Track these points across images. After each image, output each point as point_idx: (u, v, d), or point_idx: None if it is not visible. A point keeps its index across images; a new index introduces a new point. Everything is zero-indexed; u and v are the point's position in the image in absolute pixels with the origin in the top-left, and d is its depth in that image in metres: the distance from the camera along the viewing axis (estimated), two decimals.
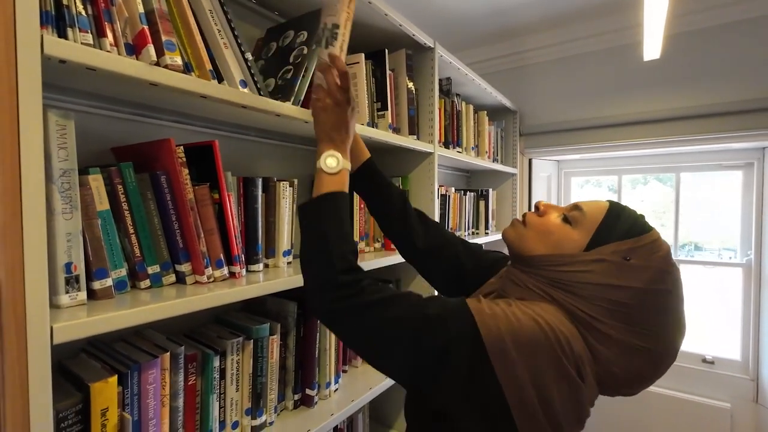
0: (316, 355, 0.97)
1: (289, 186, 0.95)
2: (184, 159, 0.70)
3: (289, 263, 0.97)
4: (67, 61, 0.51)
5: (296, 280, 0.85)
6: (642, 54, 1.60)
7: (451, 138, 1.58)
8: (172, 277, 0.72)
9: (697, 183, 2.18)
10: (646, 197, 2.38)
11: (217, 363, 0.78)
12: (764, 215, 1.91)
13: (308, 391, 0.97)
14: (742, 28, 1.72)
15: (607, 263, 0.55)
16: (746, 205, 1.99)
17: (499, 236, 2.00)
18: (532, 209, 0.66)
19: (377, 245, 1.26)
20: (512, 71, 2.29)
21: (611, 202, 0.60)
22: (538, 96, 2.21)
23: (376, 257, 1.12)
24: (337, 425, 1.11)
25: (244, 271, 0.81)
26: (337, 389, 1.06)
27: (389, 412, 1.49)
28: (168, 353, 0.68)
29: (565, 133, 2.14)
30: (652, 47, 1.45)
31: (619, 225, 0.57)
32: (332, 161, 0.65)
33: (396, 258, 1.19)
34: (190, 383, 0.74)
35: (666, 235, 2.19)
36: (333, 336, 1.04)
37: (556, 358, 0.50)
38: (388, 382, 1.13)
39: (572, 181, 2.49)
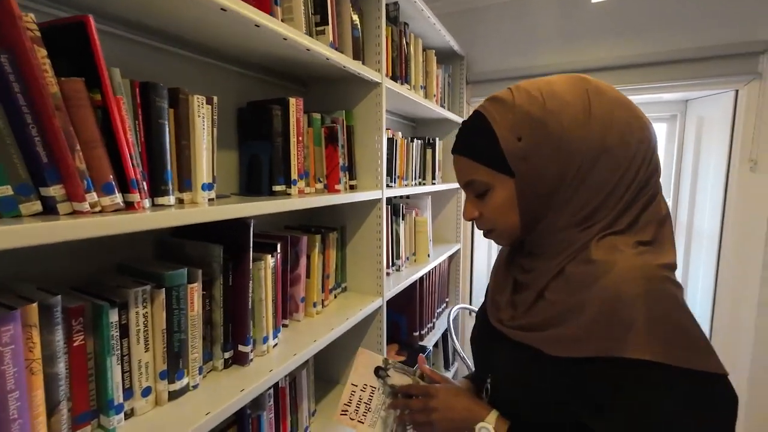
0: (250, 307, 0.83)
1: (207, 103, 0.76)
2: (39, 35, 0.49)
3: (211, 199, 0.79)
4: None
5: (219, 213, 0.69)
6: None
7: (399, 72, 1.44)
8: (37, 205, 0.52)
9: None
10: None
11: (114, 317, 0.61)
12: (683, 164, 2.05)
13: (241, 348, 0.84)
14: None
15: (522, 152, 0.53)
16: (668, 155, 2.12)
17: (444, 186, 1.95)
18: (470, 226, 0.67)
19: (319, 185, 1.11)
20: (460, 14, 2.16)
21: (453, 152, 0.62)
22: (486, 42, 2.13)
23: (318, 197, 0.99)
24: (278, 383, 1.00)
25: (147, 203, 0.63)
26: (276, 344, 0.93)
27: (335, 367, 1.41)
28: (35, 305, 0.50)
29: (510, 82, 2.09)
30: None
31: (478, 141, 0.57)
32: None
33: (340, 198, 1.06)
34: (76, 344, 0.57)
35: None
36: (269, 285, 0.90)
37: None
38: (334, 334, 1.03)
39: None
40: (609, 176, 0.51)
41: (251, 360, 0.85)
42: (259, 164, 1.00)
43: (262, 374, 0.80)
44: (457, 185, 2.13)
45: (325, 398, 1.33)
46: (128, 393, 0.65)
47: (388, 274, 1.52)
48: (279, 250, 0.95)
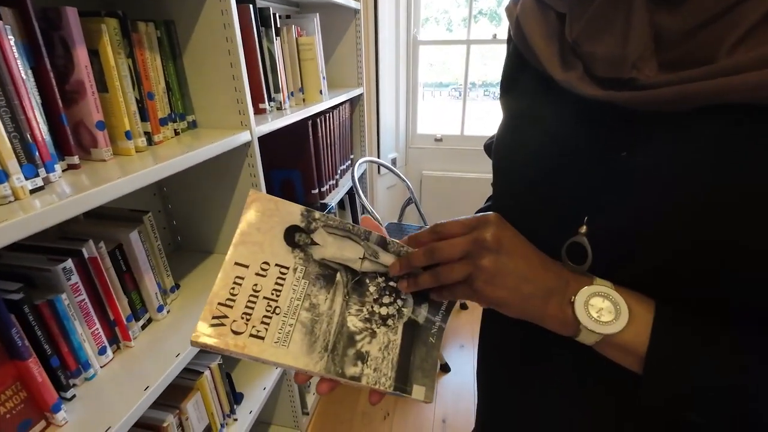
0: None
1: None
2: None
3: None
4: None
5: None
6: None
7: None
8: None
9: None
10: None
11: None
12: None
13: None
14: None
15: None
16: None
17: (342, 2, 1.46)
18: None
19: None
20: None
21: None
22: None
23: None
24: (81, 251, 0.64)
25: None
26: (41, 187, 0.55)
27: (207, 234, 1.09)
28: None
29: None
30: None
31: None
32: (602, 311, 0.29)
33: None
34: None
35: None
36: None
37: None
38: (159, 170, 0.67)
39: None
40: None
41: None
42: None
43: None
44: (355, 4, 1.65)
45: (195, 271, 1.03)
46: None
47: (263, 110, 1.13)
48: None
